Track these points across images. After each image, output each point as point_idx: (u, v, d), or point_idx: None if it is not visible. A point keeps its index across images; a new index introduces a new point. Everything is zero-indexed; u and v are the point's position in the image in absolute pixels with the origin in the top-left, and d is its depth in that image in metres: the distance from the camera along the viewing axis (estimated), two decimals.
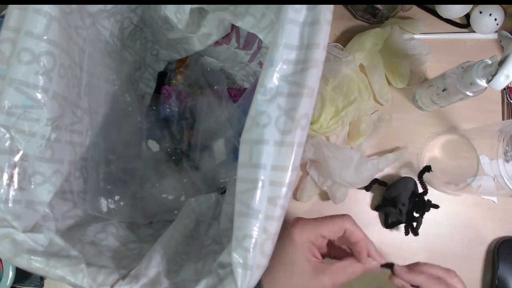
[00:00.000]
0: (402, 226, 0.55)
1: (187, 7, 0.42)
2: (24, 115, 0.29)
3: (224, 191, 0.46)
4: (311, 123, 0.54)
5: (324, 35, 0.27)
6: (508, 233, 0.56)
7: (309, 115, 0.27)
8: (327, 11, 0.27)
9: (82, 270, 0.29)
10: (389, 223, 0.55)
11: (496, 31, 0.61)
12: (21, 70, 0.29)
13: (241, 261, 0.27)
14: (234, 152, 0.49)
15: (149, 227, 0.44)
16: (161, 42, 0.52)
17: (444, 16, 0.61)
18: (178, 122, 0.53)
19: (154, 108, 0.54)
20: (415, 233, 0.53)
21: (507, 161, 0.43)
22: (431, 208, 0.53)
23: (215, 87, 0.52)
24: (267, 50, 0.30)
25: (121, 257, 0.35)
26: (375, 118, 0.58)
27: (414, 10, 0.62)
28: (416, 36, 0.61)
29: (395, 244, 0.56)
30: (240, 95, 0.54)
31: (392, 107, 0.59)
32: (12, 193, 0.29)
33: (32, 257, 0.28)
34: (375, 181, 0.56)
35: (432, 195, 0.55)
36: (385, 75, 0.59)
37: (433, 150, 0.57)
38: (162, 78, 0.56)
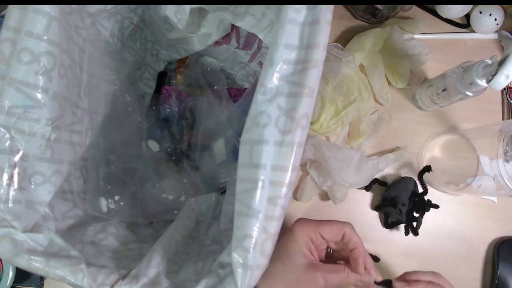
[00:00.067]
0: (402, 226, 0.55)
1: (187, 7, 0.42)
2: (24, 115, 0.29)
3: (224, 191, 0.46)
4: (311, 123, 0.54)
5: (324, 35, 0.27)
6: (508, 233, 0.56)
7: (309, 115, 0.27)
8: (327, 11, 0.27)
9: (82, 270, 0.29)
10: (389, 223, 0.55)
11: (496, 31, 0.61)
12: (21, 70, 0.29)
13: (241, 261, 0.27)
14: (234, 152, 0.49)
15: (149, 227, 0.44)
16: (161, 42, 0.52)
17: (444, 16, 0.61)
18: (178, 122, 0.53)
19: (154, 108, 0.54)
20: (415, 233, 0.53)
21: (507, 161, 0.43)
22: (431, 208, 0.53)
23: (215, 87, 0.52)
24: (267, 50, 0.30)
25: (121, 257, 0.35)
26: (375, 118, 0.58)
27: (414, 10, 0.62)
28: (416, 36, 0.61)
29: (395, 244, 0.56)
30: (240, 95, 0.54)
31: (392, 107, 0.59)
32: (12, 193, 0.29)
33: (32, 257, 0.28)
34: (375, 181, 0.56)
35: (432, 195, 0.55)
36: (385, 75, 0.59)
37: (433, 150, 0.57)
38: (162, 78, 0.56)
